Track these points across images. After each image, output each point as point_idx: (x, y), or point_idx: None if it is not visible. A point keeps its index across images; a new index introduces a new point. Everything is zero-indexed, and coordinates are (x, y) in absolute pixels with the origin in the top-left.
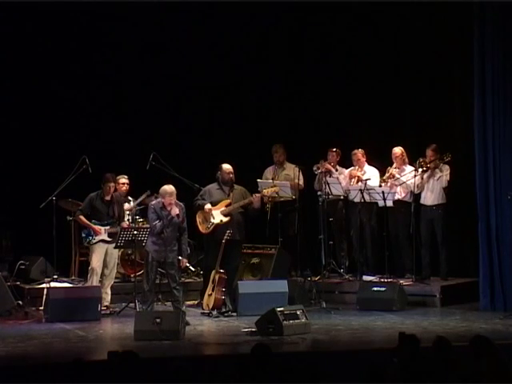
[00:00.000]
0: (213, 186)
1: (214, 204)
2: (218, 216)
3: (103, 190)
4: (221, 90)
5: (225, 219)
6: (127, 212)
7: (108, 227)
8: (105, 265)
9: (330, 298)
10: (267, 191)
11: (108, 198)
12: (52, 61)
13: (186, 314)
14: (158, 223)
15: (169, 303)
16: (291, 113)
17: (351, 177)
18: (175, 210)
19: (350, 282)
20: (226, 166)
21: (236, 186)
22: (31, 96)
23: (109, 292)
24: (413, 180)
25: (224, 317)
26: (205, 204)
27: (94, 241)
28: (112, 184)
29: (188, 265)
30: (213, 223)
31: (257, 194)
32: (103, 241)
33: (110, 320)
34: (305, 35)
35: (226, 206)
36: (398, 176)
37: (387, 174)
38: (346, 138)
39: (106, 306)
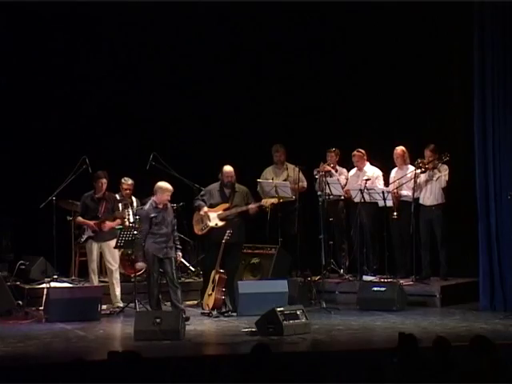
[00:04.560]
0: (215, 187)
1: (213, 205)
2: (214, 219)
3: (95, 188)
4: (220, 90)
5: (220, 223)
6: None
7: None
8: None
9: (330, 297)
10: (266, 201)
11: (99, 195)
12: (52, 61)
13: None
14: (143, 232)
15: (169, 303)
16: (291, 113)
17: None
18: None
19: (350, 282)
20: (226, 169)
21: (238, 188)
22: (31, 96)
23: (117, 293)
24: (411, 181)
25: (224, 317)
26: (202, 206)
27: (83, 239)
28: (103, 180)
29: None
30: (207, 226)
31: (252, 206)
32: (90, 237)
33: (110, 320)
34: (305, 35)
35: (224, 210)
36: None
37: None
38: (346, 138)
39: (117, 307)
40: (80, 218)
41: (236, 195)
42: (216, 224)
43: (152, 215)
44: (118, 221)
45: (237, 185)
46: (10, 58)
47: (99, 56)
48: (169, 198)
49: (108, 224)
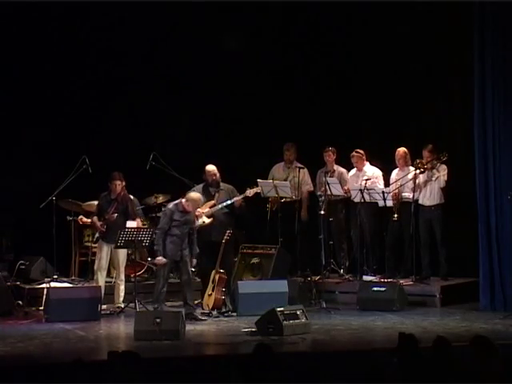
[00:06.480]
0: (200, 187)
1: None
2: (200, 218)
3: (110, 188)
4: (220, 90)
5: (207, 220)
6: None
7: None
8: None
9: (330, 298)
10: (250, 192)
11: (113, 196)
12: (52, 60)
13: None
14: (160, 232)
15: (169, 303)
16: (292, 112)
17: None
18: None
19: (350, 282)
20: (209, 168)
21: (223, 186)
22: (31, 95)
23: (122, 294)
24: (412, 181)
25: (224, 317)
26: None
27: (95, 239)
28: (118, 182)
29: None
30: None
31: (237, 198)
32: (100, 237)
33: (110, 320)
34: (305, 34)
35: (210, 207)
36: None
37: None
38: (346, 138)
39: (118, 307)
40: (94, 218)
41: (221, 193)
42: (203, 221)
43: (175, 218)
44: (138, 221)
45: (222, 183)
46: (10, 57)
47: (99, 56)
48: (195, 209)
49: (111, 216)
